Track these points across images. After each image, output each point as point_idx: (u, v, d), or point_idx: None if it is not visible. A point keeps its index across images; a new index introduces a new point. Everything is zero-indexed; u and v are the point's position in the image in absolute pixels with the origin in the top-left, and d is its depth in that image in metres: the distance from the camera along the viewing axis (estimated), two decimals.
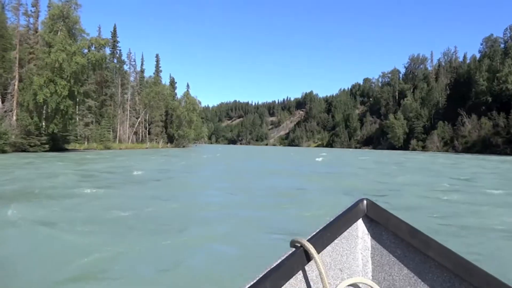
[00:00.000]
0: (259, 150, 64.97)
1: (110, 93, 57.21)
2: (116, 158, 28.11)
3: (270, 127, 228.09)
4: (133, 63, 73.47)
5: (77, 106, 40.19)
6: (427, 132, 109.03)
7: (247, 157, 37.27)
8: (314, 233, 0.99)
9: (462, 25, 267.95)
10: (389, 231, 1.05)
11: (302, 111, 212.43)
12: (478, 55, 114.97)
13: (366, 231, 1.11)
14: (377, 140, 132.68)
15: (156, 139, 74.03)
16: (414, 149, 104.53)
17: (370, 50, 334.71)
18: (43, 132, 33.37)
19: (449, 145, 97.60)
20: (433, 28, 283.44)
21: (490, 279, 0.86)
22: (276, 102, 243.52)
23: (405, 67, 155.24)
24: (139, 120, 66.68)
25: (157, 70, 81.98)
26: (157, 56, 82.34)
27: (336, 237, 1.04)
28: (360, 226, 1.10)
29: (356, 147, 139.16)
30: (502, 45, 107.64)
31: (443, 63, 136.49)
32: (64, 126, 35.40)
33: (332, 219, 1.05)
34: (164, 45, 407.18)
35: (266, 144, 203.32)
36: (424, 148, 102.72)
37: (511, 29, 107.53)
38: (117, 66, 62.13)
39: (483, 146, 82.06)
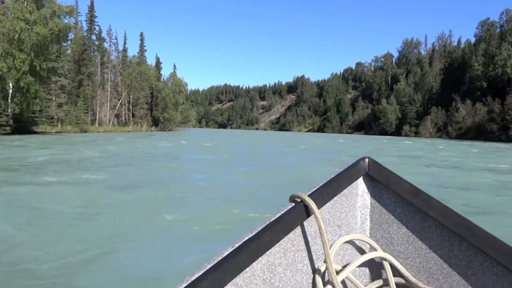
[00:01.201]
0: (248, 136, 62.04)
1: (88, 72, 53.19)
2: (77, 142, 24.89)
3: (261, 111, 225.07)
4: (114, 41, 69.30)
5: (45, 85, 36.44)
6: (420, 117, 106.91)
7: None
8: (315, 189, 1.00)
9: (457, 8, 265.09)
10: (390, 190, 1.06)
11: (294, 95, 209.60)
12: (473, 40, 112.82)
13: (366, 190, 1.11)
14: (369, 126, 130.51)
15: (140, 122, 70.49)
16: (406, 135, 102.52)
17: (363, 34, 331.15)
18: (2, 112, 29.80)
19: (442, 131, 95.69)
20: (427, 12, 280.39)
21: (491, 238, 0.86)
22: (267, 86, 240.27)
23: (398, 51, 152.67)
24: (120, 101, 62.85)
25: (142, 50, 77.83)
26: (141, 34, 78.10)
27: (336, 194, 1.04)
28: (360, 184, 1.11)
29: (347, 132, 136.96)
30: (498, 29, 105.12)
31: (437, 47, 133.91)
32: (27, 106, 31.85)
33: (333, 176, 1.05)
34: (152, 26, 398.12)
35: (257, 129, 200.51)
36: (417, 134, 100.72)
37: (507, 13, 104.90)
38: (97, 43, 57.86)
39: (478, 133, 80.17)
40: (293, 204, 0.95)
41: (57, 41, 33.08)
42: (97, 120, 56.56)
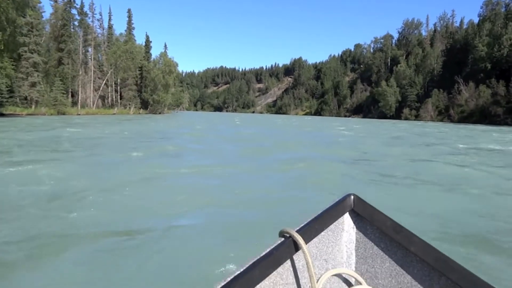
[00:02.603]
0: (243, 119, 58.63)
1: (68, 49, 49.04)
2: (32, 125, 21.52)
3: (257, 94, 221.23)
4: (99, 17, 64.89)
5: (14, 62, 32.65)
6: (421, 100, 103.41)
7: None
8: (303, 224, 1.02)
9: None
10: (374, 226, 1.09)
11: (291, 77, 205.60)
12: (476, 20, 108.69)
13: (352, 225, 1.14)
14: (368, 109, 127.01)
15: (128, 104, 66.70)
16: (406, 118, 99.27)
17: (362, 15, 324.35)
18: None
19: (444, 115, 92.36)
20: None
21: (467, 274, 0.89)
22: (264, 68, 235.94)
23: (398, 32, 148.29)
24: (104, 82, 58.84)
25: (129, 27, 73.30)
26: (129, 11, 73.32)
27: (323, 229, 1.07)
28: (346, 220, 1.14)
29: (345, 116, 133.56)
30: (503, 9, 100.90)
31: (438, 28, 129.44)
32: None
33: (320, 212, 1.08)
34: (147, 5, 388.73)
35: (253, 112, 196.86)
36: (417, 118, 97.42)
37: None
38: (78, 18, 53.43)
39: (481, 116, 76.91)
40: (283, 239, 0.97)
41: (16, 9, 29.12)
42: (79, 101, 52.76)
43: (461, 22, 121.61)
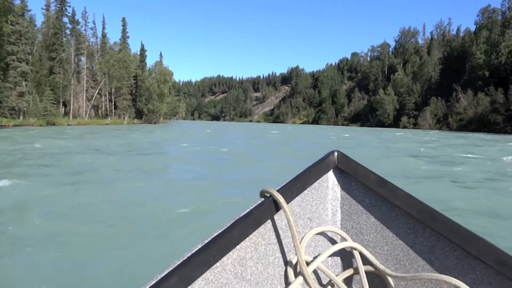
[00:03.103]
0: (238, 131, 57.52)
1: (59, 58, 47.86)
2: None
3: (254, 103, 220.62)
4: (92, 25, 63.94)
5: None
6: (419, 108, 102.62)
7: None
8: (284, 184, 1.01)
9: None
10: (359, 182, 1.08)
11: (288, 86, 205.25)
12: (473, 28, 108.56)
13: (336, 182, 1.13)
14: (365, 117, 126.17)
15: (123, 114, 65.47)
16: (405, 127, 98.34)
17: (359, 24, 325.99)
18: None
19: (442, 123, 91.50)
20: (425, 0, 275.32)
21: (451, 224, 0.90)
22: (261, 77, 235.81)
23: (395, 40, 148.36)
24: (96, 91, 57.62)
25: (124, 36, 72.45)
26: (123, 20, 72.61)
27: (306, 188, 1.05)
28: (330, 177, 1.13)
29: (343, 124, 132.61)
30: (500, 16, 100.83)
31: (435, 36, 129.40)
32: None
33: (302, 170, 1.06)
34: (144, 15, 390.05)
35: (250, 121, 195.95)
36: (415, 126, 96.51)
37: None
38: (69, 26, 52.39)
39: (481, 124, 75.98)
40: (263, 199, 0.96)
41: None
42: (71, 111, 51.48)
43: (458, 30, 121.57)
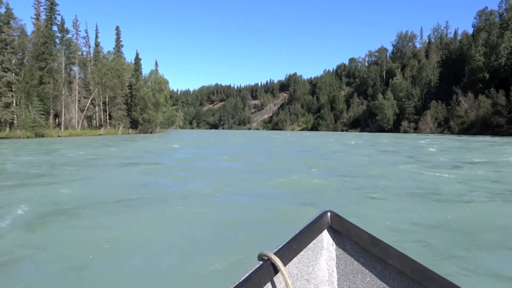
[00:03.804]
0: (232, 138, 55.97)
1: (48, 68, 46.39)
2: None
3: (253, 110, 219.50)
4: (85, 34, 62.57)
5: None
6: (419, 112, 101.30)
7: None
8: (281, 246, 1.02)
9: (451, 0, 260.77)
10: (352, 241, 1.09)
11: (286, 93, 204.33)
12: (470, 30, 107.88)
13: (331, 242, 1.14)
14: (365, 122, 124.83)
15: (118, 124, 63.93)
16: (405, 131, 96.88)
17: (356, 29, 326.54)
18: None
19: (443, 126, 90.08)
20: (420, 5, 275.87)
21: (445, 282, 0.90)
22: (259, 84, 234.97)
23: (392, 45, 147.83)
24: (89, 101, 56.07)
25: (118, 45, 71.20)
26: (117, 28, 71.43)
27: (302, 249, 1.06)
28: (325, 237, 1.13)
29: (342, 130, 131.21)
30: (497, 18, 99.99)
31: (433, 40, 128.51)
32: None
33: (297, 232, 1.07)
34: (141, 25, 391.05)
35: (249, 129, 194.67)
36: (416, 130, 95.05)
37: (507, 1, 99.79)
38: (59, 35, 50.87)
39: (483, 127, 74.55)
40: (261, 262, 0.96)
41: None
42: (62, 122, 49.90)
43: (455, 33, 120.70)
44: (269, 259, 0.95)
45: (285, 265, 0.95)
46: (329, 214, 1.10)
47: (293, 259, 1.03)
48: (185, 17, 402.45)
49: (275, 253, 0.96)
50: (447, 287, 0.89)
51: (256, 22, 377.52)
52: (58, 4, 48.76)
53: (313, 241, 1.08)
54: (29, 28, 50.82)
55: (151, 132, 70.24)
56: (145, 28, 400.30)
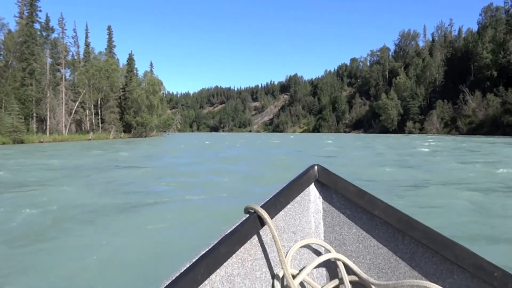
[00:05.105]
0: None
1: (30, 69, 43.28)
2: None
3: (253, 112, 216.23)
4: (74, 34, 59.54)
5: None
6: (425, 112, 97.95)
7: None
8: (268, 199, 1.03)
9: None
10: (339, 194, 1.11)
11: (287, 95, 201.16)
12: (475, 28, 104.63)
13: (318, 195, 1.16)
14: (368, 123, 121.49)
15: (110, 128, 60.80)
16: (410, 132, 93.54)
17: (357, 29, 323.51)
18: None
19: (450, 127, 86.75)
20: (422, 3, 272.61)
21: (429, 231, 0.93)
22: (259, 86, 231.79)
23: (395, 44, 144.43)
24: (76, 104, 52.89)
25: (110, 45, 68.25)
26: (109, 28, 68.50)
27: (289, 202, 1.08)
28: (312, 190, 1.15)
29: (345, 131, 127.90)
30: (504, 14, 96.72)
31: (436, 38, 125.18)
32: None
33: (284, 185, 1.08)
34: (141, 29, 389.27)
35: (250, 131, 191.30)
36: (422, 131, 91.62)
37: None
38: (42, 34, 47.78)
39: (493, 126, 71.15)
40: (248, 215, 0.98)
41: None
42: (47, 127, 46.77)
43: (460, 30, 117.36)
44: (255, 212, 0.97)
45: (271, 217, 0.97)
46: (316, 167, 1.12)
47: (280, 212, 1.05)
48: (185, 20, 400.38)
49: (261, 206, 0.98)
50: (431, 236, 0.92)
51: (255, 23, 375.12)
52: (39, 0, 45.59)
53: (300, 195, 1.10)
54: (15, 28, 47.58)
55: (145, 136, 67.07)
56: (144, 31, 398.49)
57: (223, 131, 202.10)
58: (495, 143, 34.44)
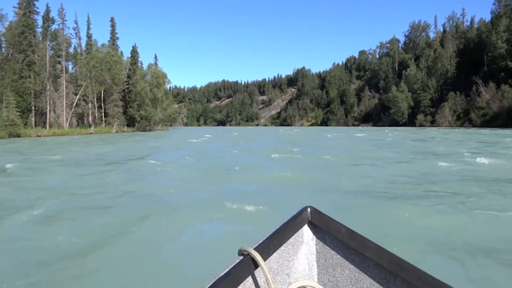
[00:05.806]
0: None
1: (28, 61, 41.99)
2: None
3: (260, 106, 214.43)
4: (75, 26, 58.27)
5: None
6: (436, 105, 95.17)
7: None
8: (261, 241, 1.03)
9: None
10: (331, 235, 1.12)
11: (294, 88, 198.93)
12: (488, 18, 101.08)
13: (311, 236, 1.16)
14: (377, 117, 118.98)
15: (113, 121, 59.54)
16: (421, 125, 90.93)
17: (365, 21, 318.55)
18: None
19: (463, 119, 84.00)
20: None
21: (421, 274, 0.92)
22: (267, 79, 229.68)
23: (405, 35, 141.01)
24: (77, 97, 51.58)
25: (113, 37, 66.70)
26: (112, 20, 66.91)
27: (282, 244, 1.08)
28: (305, 232, 1.16)
29: (353, 125, 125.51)
30: None
31: (448, 29, 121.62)
32: None
33: (278, 227, 1.09)
34: (148, 23, 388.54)
35: (257, 125, 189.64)
36: (433, 124, 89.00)
37: None
38: (40, 25, 46.40)
39: (509, 119, 68.48)
40: (241, 257, 0.98)
41: None
42: (47, 121, 45.58)
43: (472, 20, 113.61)
44: (249, 254, 0.96)
45: (265, 260, 0.96)
46: (309, 209, 1.12)
47: (274, 254, 1.04)
48: (192, 14, 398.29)
49: (255, 248, 0.97)
50: (422, 278, 0.91)
51: (262, 17, 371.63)
52: None
53: (293, 236, 1.10)
54: (14, 20, 46.29)
55: (149, 130, 65.71)
56: (151, 25, 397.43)
57: (230, 125, 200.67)
58: None
